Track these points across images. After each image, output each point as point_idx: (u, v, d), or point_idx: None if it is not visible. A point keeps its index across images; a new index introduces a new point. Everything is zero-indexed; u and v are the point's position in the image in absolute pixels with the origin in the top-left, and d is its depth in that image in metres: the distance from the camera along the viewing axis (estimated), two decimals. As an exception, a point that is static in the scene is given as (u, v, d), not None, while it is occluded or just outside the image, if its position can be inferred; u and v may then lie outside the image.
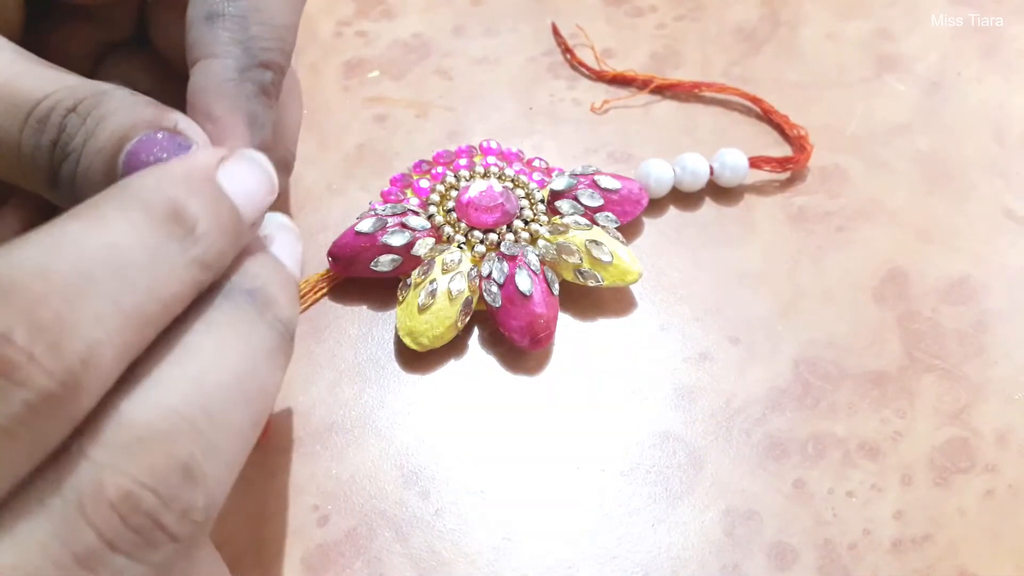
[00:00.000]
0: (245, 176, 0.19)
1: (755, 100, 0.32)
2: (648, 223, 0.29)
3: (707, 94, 0.32)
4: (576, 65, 0.33)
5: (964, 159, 0.31)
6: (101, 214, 0.16)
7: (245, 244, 0.18)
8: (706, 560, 0.22)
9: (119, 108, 0.19)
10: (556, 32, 0.34)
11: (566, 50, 0.34)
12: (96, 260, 0.15)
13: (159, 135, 0.19)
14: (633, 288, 0.27)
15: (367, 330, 0.26)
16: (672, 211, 0.29)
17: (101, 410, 0.15)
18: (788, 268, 0.28)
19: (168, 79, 0.24)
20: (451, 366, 0.26)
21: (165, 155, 0.19)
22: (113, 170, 0.19)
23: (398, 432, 0.24)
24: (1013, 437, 0.25)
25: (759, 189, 0.30)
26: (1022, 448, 0.24)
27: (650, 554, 0.23)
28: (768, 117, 0.32)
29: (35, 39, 0.21)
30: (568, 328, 0.26)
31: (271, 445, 0.24)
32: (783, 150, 0.31)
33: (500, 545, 0.23)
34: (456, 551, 0.22)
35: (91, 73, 0.24)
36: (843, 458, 0.24)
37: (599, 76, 0.33)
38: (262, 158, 0.20)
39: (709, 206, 0.29)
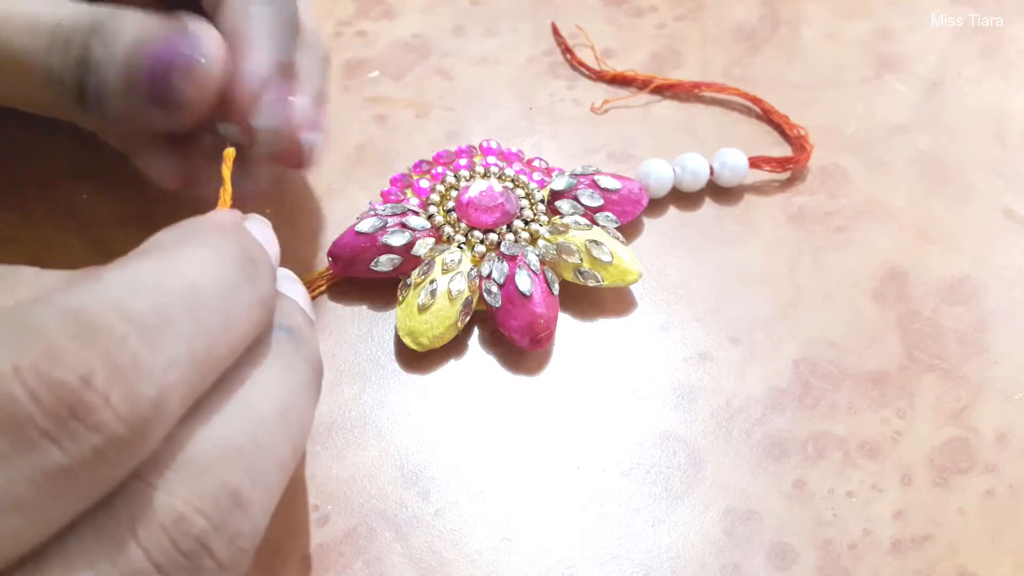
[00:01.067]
0: (262, 231, 0.20)
1: (755, 100, 0.32)
2: (648, 223, 0.29)
3: (707, 94, 0.32)
4: (576, 65, 0.33)
5: (964, 159, 0.31)
6: (175, 254, 0.16)
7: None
8: (706, 560, 0.22)
9: (133, 21, 0.21)
10: (556, 32, 0.34)
11: (566, 50, 0.34)
12: (175, 301, 0.15)
13: (174, 37, 0.21)
14: (633, 288, 0.27)
15: (367, 330, 0.26)
16: (672, 211, 0.29)
17: None
18: (788, 268, 0.28)
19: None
20: (451, 366, 0.26)
21: (183, 49, 0.21)
22: (134, 77, 0.21)
23: (398, 432, 0.24)
24: (1013, 437, 0.25)
25: (759, 189, 0.30)
26: (1022, 448, 0.24)
27: (650, 554, 0.23)
28: (768, 117, 0.32)
29: None
30: (568, 328, 0.26)
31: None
32: (783, 150, 0.31)
33: (500, 545, 0.23)
34: (456, 551, 0.22)
35: None
36: (843, 458, 0.24)
37: (599, 76, 0.33)
38: (268, 222, 0.21)
39: (709, 206, 0.29)
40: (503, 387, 0.25)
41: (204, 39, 0.21)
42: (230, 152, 0.22)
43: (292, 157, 0.23)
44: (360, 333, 0.26)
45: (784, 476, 0.24)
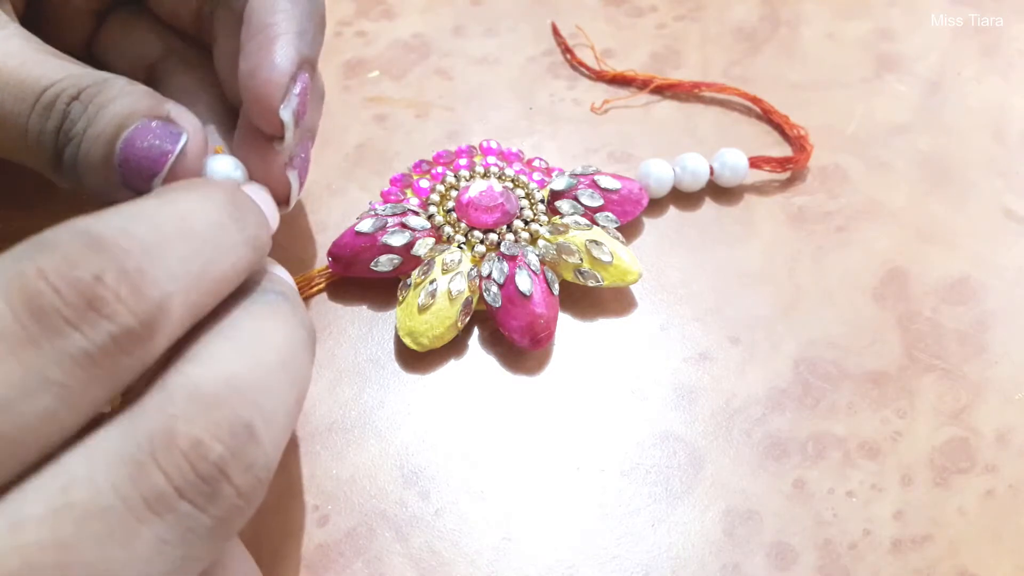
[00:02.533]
0: (258, 193, 0.22)
1: (755, 100, 0.32)
2: (648, 223, 0.29)
3: (707, 94, 0.32)
4: (576, 65, 0.33)
5: (964, 159, 0.31)
6: (170, 196, 0.18)
7: (269, 249, 0.20)
8: (706, 560, 0.22)
9: (118, 96, 0.21)
10: (556, 32, 0.34)
11: (566, 50, 0.34)
12: (170, 227, 0.17)
13: (153, 123, 0.21)
14: (633, 288, 0.27)
15: (367, 330, 0.26)
16: (672, 211, 0.29)
17: (174, 373, 0.16)
18: (788, 268, 0.28)
19: (166, 37, 0.26)
20: (451, 366, 0.26)
21: (158, 142, 0.21)
22: (110, 155, 0.21)
23: (398, 432, 0.24)
24: (1013, 437, 0.25)
25: (759, 189, 0.30)
26: (1022, 448, 0.24)
27: (650, 554, 0.23)
28: (768, 117, 0.32)
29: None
30: (568, 328, 0.26)
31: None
32: (783, 150, 0.31)
33: (500, 545, 0.23)
34: (456, 551, 0.22)
35: (93, 32, 0.26)
36: (843, 458, 0.24)
37: (599, 76, 0.33)
38: (265, 188, 0.23)
39: (709, 206, 0.29)
40: (503, 387, 0.25)
41: (183, 125, 0.21)
42: None
43: (276, 194, 0.24)
44: (360, 333, 0.26)
45: (784, 476, 0.24)
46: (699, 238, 0.29)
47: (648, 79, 0.32)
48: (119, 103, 0.21)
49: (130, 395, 0.16)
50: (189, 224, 0.17)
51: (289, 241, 0.28)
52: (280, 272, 0.21)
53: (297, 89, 0.22)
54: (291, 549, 0.22)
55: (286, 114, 0.22)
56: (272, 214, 0.22)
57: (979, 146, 0.31)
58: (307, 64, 0.23)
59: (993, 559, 0.23)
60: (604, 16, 0.35)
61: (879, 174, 0.30)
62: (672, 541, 0.23)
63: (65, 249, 0.15)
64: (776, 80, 0.33)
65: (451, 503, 0.23)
